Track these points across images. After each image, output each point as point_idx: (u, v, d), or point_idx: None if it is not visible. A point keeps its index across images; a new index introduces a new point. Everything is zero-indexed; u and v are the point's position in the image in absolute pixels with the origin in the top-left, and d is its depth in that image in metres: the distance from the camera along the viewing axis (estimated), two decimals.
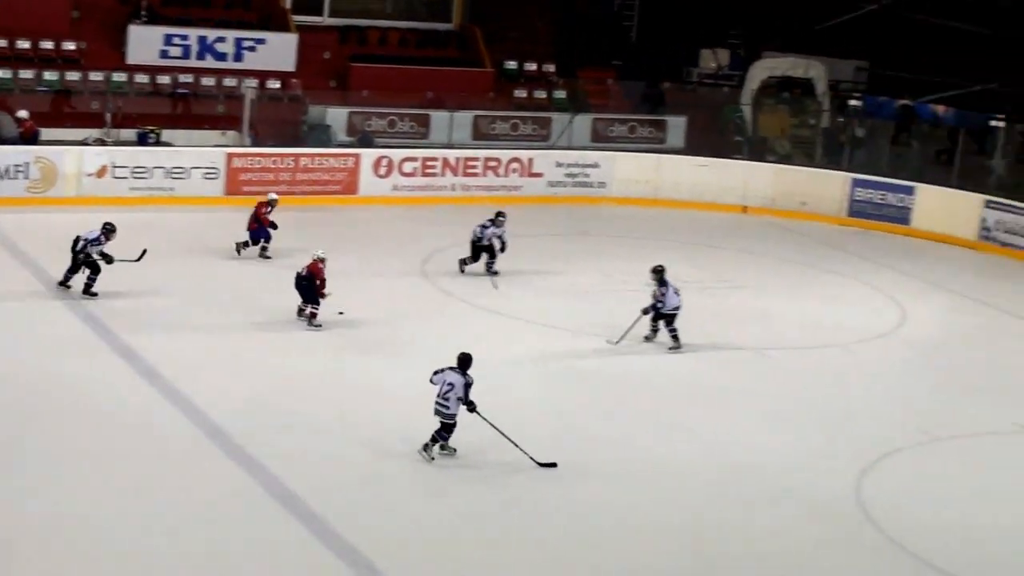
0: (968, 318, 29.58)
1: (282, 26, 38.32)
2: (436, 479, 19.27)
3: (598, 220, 35.00)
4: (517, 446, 19.68)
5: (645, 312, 25.20)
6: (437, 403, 19.64)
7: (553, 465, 19.74)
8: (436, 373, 19.73)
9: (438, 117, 37.05)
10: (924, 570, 18.21)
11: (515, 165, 35.98)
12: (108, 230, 25.55)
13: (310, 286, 24.70)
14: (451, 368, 19.73)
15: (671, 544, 18.18)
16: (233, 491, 18.38)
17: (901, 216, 35.91)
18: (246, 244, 28.91)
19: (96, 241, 25.47)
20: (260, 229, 28.97)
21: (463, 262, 28.71)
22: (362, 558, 16.89)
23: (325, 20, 40.09)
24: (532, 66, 40.60)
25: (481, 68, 39.91)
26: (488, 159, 35.83)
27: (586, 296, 28.18)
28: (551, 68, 40.65)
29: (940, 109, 37.94)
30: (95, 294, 25.48)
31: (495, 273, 28.52)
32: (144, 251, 26.12)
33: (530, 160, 36.20)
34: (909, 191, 35.91)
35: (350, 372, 23.13)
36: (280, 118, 36.05)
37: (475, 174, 35.52)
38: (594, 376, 23.83)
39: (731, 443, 21.52)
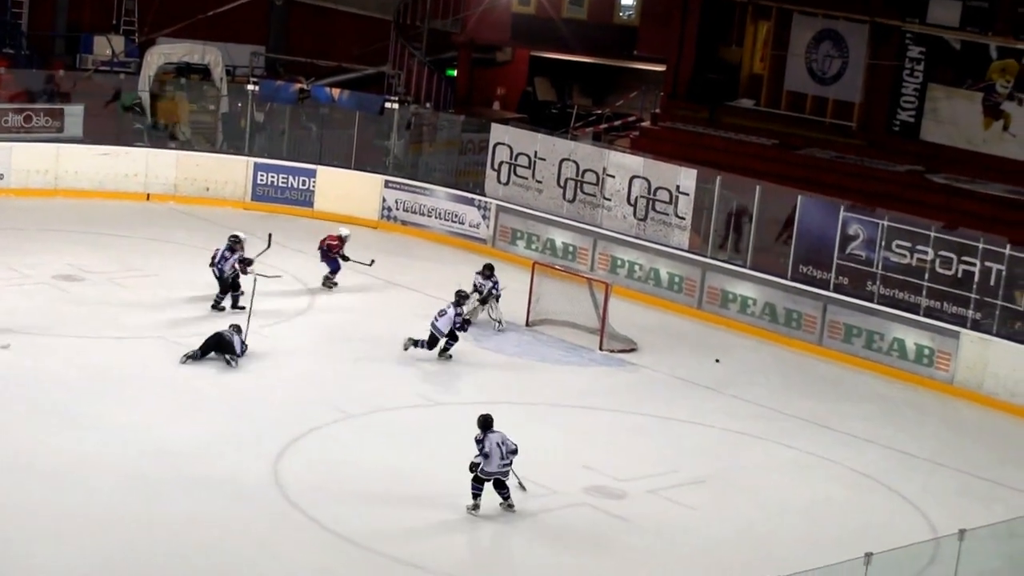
0: (373, 295, 30.38)
1: None
2: None
3: None
4: None
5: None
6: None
7: None
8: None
9: None
10: (342, 545, 18.74)
11: None
12: None
13: None
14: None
15: (109, 537, 18.02)
16: None
17: (304, 199, 36.49)
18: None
19: None
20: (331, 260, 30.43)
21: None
22: None
23: None
24: None
25: None
26: None
27: None
28: None
29: (336, 92, 38.65)
30: None
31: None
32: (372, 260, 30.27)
33: None
34: (311, 174, 36.53)
35: None
36: None
37: None
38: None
39: (148, 434, 21.46)
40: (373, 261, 30.41)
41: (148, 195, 36.07)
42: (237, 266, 27.70)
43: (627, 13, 45.73)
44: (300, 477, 20.53)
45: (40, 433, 21.08)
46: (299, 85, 38.46)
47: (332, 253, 30.41)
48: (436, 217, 35.49)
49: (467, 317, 26.84)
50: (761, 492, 22.09)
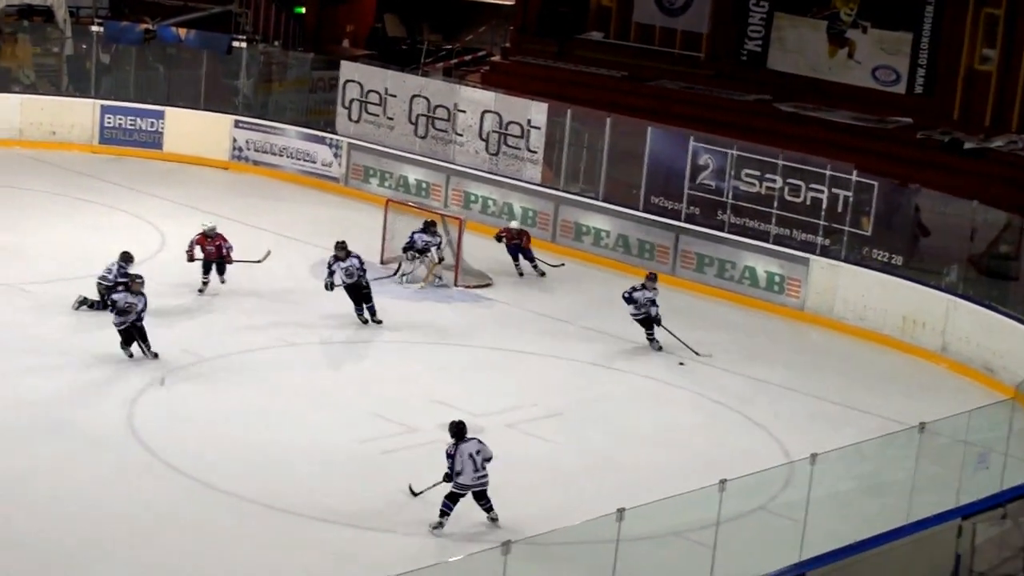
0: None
1: None
2: None
3: None
4: None
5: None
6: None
7: None
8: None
9: None
10: (201, 490, 18.66)
11: None
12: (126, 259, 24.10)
13: None
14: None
15: None
16: None
17: (153, 141, 36.00)
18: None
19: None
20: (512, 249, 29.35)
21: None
22: None
23: None
24: None
25: None
26: None
27: None
28: None
29: (183, 32, 38.15)
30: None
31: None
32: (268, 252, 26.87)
33: None
34: (159, 115, 36.06)
35: None
36: None
37: None
38: None
39: (4, 383, 21.23)
40: (269, 252, 27.29)
41: None
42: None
43: None
44: (155, 421, 20.40)
45: None
46: (145, 25, 37.91)
47: (511, 243, 29.48)
48: (288, 156, 35.24)
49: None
50: (617, 422, 22.33)
